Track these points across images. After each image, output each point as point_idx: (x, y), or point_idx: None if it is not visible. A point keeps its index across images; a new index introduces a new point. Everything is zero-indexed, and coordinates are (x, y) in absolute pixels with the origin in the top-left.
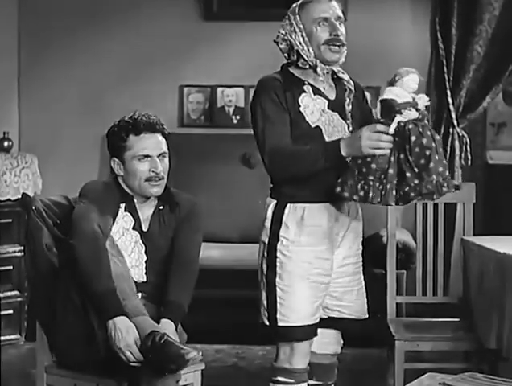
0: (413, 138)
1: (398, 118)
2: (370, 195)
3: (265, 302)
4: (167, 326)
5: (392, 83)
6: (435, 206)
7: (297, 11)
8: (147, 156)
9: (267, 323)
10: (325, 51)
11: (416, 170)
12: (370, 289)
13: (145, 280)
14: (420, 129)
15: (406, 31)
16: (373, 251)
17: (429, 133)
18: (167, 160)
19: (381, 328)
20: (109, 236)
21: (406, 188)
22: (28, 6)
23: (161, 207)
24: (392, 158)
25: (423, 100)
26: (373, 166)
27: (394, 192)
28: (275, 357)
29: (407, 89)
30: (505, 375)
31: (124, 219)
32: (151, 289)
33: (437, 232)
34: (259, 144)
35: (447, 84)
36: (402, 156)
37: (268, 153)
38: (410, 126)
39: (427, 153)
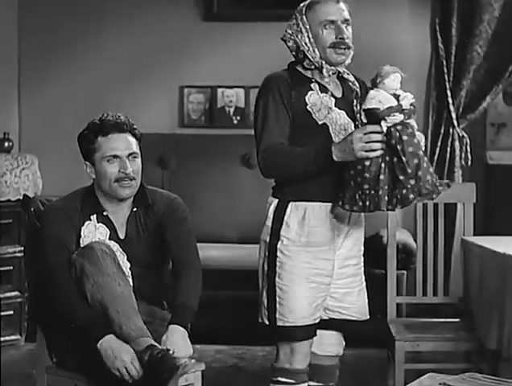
0: (405, 138)
1: (383, 124)
2: (367, 203)
3: (265, 302)
4: (175, 332)
5: (375, 82)
6: (436, 206)
7: (304, 12)
8: (116, 156)
9: (267, 323)
10: (331, 54)
11: (409, 170)
12: (370, 289)
13: (132, 285)
14: (410, 130)
15: (406, 32)
16: (373, 251)
17: (417, 133)
18: (138, 160)
19: (381, 328)
20: (100, 253)
21: (404, 191)
22: (28, 6)
23: (135, 209)
24: (383, 164)
25: (407, 100)
26: (367, 175)
27: (386, 197)
28: (275, 357)
29: (390, 91)
30: (505, 376)
31: (99, 231)
32: (140, 292)
33: (437, 233)
34: (256, 141)
35: (447, 84)
36: (395, 159)
37: (262, 152)
38: (399, 128)
39: (420, 153)
